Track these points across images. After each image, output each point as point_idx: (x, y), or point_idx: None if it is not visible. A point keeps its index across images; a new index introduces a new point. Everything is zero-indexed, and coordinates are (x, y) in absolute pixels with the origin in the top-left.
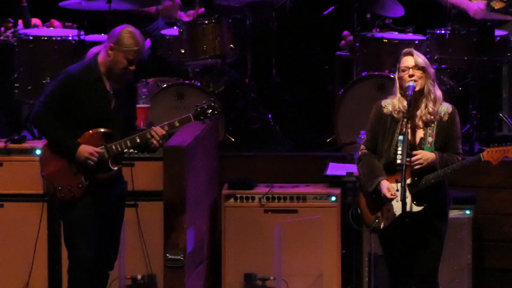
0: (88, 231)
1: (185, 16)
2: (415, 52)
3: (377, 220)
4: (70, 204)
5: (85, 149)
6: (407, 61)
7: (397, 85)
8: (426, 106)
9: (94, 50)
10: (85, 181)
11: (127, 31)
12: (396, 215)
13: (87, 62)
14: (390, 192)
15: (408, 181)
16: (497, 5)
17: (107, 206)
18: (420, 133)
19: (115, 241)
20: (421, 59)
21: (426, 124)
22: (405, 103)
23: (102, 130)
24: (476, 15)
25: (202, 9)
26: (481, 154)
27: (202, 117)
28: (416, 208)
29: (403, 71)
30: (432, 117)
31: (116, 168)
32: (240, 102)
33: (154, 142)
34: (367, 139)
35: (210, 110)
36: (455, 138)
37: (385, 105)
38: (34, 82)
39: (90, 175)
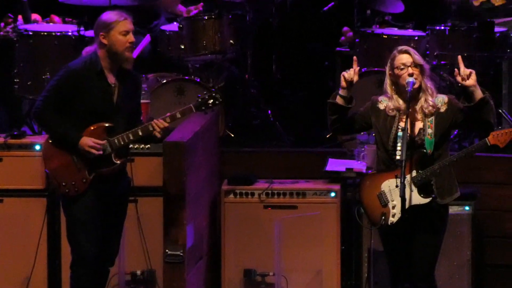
0: (91, 226)
1: (185, 13)
2: (411, 50)
3: (383, 217)
4: (73, 199)
5: (87, 141)
6: (405, 58)
7: (389, 83)
8: (425, 100)
9: (87, 49)
10: (89, 176)
11: (104, 14)
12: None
13: (88, 56)
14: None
15: (413, 173)
16: (498, 2)
17: (110, 201)
18: (419, 125)
19: (116, 237)
20: (417, 56)
21: (425, 116)
22: (399, 101)
23: (105, 124)
24: None
25: (201, 4)
26: (486, 138)
27: (203, 108)
28: (423, 200)
29: (401, 69)
30: (433, 109)
31: (119, 161)
32: (240, 97)
33: (157, 134)
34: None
35: (212, 100)
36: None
37: (381, 100)
38: (34, 77)
39: (94, 169)
